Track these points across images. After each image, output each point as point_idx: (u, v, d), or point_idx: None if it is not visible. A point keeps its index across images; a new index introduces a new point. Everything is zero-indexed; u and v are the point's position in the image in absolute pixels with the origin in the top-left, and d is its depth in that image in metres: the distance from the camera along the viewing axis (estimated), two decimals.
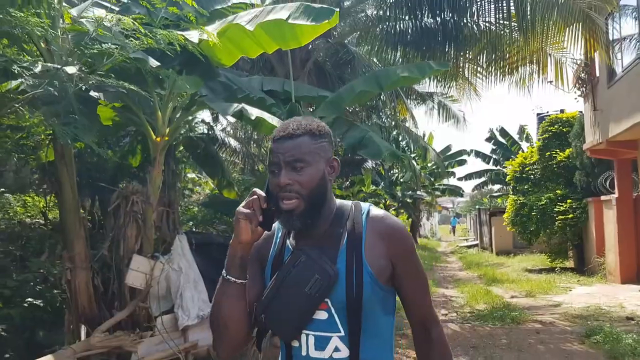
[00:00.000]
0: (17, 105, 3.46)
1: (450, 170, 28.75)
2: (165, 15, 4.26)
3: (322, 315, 1.50)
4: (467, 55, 10.35)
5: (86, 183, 6.58)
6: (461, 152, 28.76)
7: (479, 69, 10.70)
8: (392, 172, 26.57)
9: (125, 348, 4.54)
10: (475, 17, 9.42)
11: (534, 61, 9.67)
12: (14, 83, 4.02)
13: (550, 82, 10.23)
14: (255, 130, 6.80)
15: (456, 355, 6.55)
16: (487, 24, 9.34)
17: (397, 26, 10.29)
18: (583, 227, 14.21)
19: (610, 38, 10.61)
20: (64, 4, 4.38)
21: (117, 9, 5.05)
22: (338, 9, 4.14)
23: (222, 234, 8.28)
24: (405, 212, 29.77)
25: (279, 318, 1.51)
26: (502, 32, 9.35)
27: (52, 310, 5.67)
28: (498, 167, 25.99)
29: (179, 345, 4.77)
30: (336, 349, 1.50)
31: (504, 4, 9.10)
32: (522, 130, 25.79)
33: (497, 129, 25.82)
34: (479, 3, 9.46)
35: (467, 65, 10.75)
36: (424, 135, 25.41)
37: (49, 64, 3.63)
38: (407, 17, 10.16)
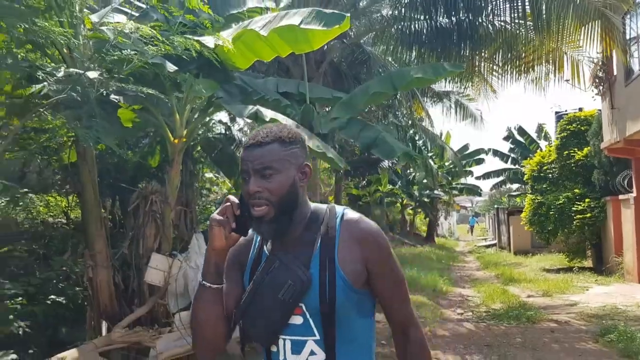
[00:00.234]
0: (41, 109, 3.62)
1: (468, 169, 28.63)
2: (182, 21, 4.40)
3: (297, 320, 1.51)
4: (482, 55, 10.37)
5: (107, 183, 6.75)
6: (479, 151, 28.62)
7: (494, 67, 10.71)
8: (409, 171, 26.55)
9: (144, 343, 4.68)
10: (490, 17, 9.44)
11: (550, 60, 9.66)
12: (37, 87, 4.21)
13: (567, 80, 10.22)
14: None
15: (470, 353, 6.62)
16: (502, 23, 9.36)
17: (412, 26, 10.35)
18: (601, 226, 14.09)
19: (627, 37, 10.52)
20: (85, 10, 4.55)
21: (136, 14, 5.20)
22: (349, 14, 4.24)
23: None
24: (423, 211, 29.72)
25: (255, 324, 1.53)
26: (517, 32, 9.36)
27: (74, 308, 5.79)
28: (516, 166, 25.83)
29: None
30: (312, 353, 1.51)
31: (519, 4, 9.11)
32: (540, 128, 25.60)
33: (515, 128, 25.69)
34: (494, 3, 9.49)
35: (483, 65, 10.76)
36: (441, 134, 25.36)
37: (72, 69, 3.77)
38: (422, 17, 10.22)
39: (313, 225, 1.56)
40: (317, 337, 1.50)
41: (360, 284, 1.53)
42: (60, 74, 3.64)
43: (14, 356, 4.43)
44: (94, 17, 4.80)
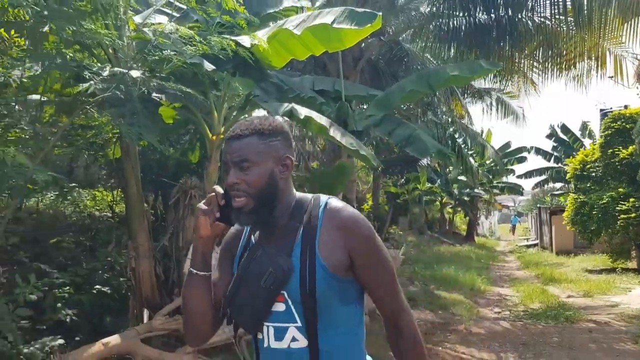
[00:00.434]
0: (88, 107, 3.83)
1: (509, 167, 28.15)
2: (220, 21, 4.56)
3: (280, 307, 1.53)
4: (523, 52, 10.24)
5: (149, 179, 7.00)
6: (521, 149, 28.09)
7: (535, 64, 10.56)
8: (449, 169, 26.27)
9: (183, 331, 4.87)
10: (530, 13, 9.31)
11: (593, 57, 9.47)
12: (84, 85, 4.43)
13: (611, 77, 9.99)
14: (305, 129, 7.03)
15: (505, 351, 6.60)
16: (542, 19, 9.23)
17: (451, 23, 10.31)
18: None
19: None
20: (129, 11, 4.76)
21: (177, 15, 5.41)
22: (380, 13, 4.32)
23: None
24: (462, 210, 29.38)
25: (241, 311, 1.56)
26: (558, 28, 9.21)
27: (118, 297, 5.99)
28: (559, 165, 25.25)
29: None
30: (294, 339, 1.53)
31: None
32: (584, 126, 24.95)
33: (558, 126, 25.12)
34: None
35: (523, 62, 10.62)
36: (482, 132, 25.00)
37: (116, 69, 3.97)
38: (460, 14, 10.16)
39: (297, 215, 1.57)
40: (299, 323, 1.52)
41: (342, 272, 1.52)
42: (106, 73, 3.84)
43: (62, 341, 4.67)
44: (137, 19, 5.01)
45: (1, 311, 3.96)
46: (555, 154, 25.84)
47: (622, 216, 13.71)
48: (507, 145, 28.63)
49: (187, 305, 1.60)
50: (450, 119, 14.60)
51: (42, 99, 3.75)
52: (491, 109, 17.71)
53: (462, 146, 23.09)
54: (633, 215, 13.58)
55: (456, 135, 20.98)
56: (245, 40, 4.19)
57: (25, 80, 3.63)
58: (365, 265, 1.55)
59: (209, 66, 4.07)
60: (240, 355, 4.61)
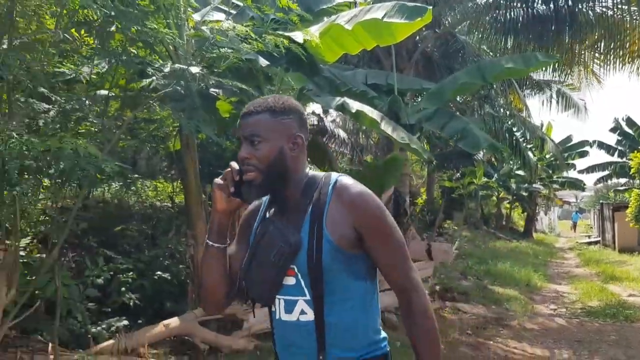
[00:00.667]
0: (151, 102, 4.07)
1: (570, 162, 27.22)
2: (275, 18, 4.71)
3: (290, 281, 1.57)
4: (584, 43, 9.94)
5: (207, 171, 7.26)
6: (583, 143, 27.11)
7: (596, 54, 10.23)
8: (506, 163, 25.66)
9: (238, 316, 5.08)
10: (591, 3, 9.03)
11: None
12: (146, 81, 4.68)
13: None
14: (357, 122, 7.11)
15: (559, 347, 6.50)
16: (603, 9, 8.93)
17: (508, 14, 10.13)
18: None
19: None
20: (188, 9, 4.99)
21: (234, 12, 5.60)
22: (430, 7, 4.36)
23: None
24: (520, 205, 28.64)
25: (254, 284, 1.60)
26: (620, 18, 8.88)
27: (177, 283, 6.30)
28: (624, 160, 24.22)
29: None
30: (302, 312, 1.57)
31: None
32: None
33: (623, 119, 24.09)
34: None
35: (584, 53, 10.31)
36: (542, 125, 24.29)
37: (176, 65, 4.19)
38: (518, 5, 9.97)
39: (308, 192, 1.61)
40: (307, 297, 1.56)
41: (348, 247, 1.55)
42: (167, 70, 4.06)
43: (126, 322, 4.98)
44: (196, 16, 5.23)
45: (72, 292, 4.26)
46: (619, 148, 24.80)
47: None
48: (568, 139, 27.68)
49: (203, 274, 1.67)
50: (508, 112, 14.31)
51: (109, 94, 3.99)
52: (551, 102, 17.20)
53: (521, 140, 22.53)
54: None
55: (514, 129, 20.50)
56: (298, 36, 4.32)
57: (94, 77, 3.88)
58: (373, 241, 1.57)
59: (263, 62, 4.23)
60: None
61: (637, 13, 8.50)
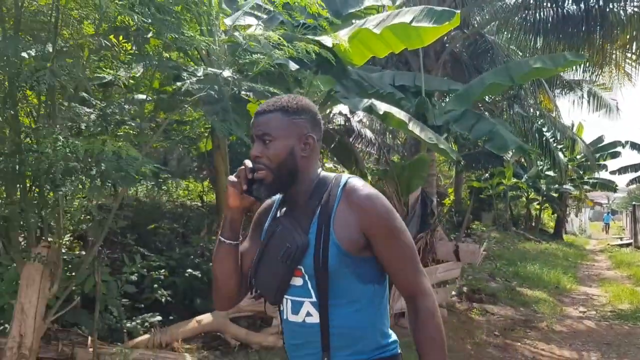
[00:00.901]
0: (186, 105, 4.21)
1: (602, 163, 26.73)
2: (304, 22, 4.81)
3: (298, 281, 1.56)
4: (615, 43, 9.80)
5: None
6: (614, 144, 26.56)
7: (628, 54, 10.09)
8: (539, 164, 25.30)
9: (268, 313, 5.21)
10: (622, 3, 8.91)
11: None
12: (179, 84, 4.83)
13: None
14: (384, 124, 7.18)
15: (587, 350, 6.47)
16: (635, 9, 8.80)
17: (538, 14, 10.05)
18: None
19: None
20: (220, 15, 5.12)
21: (264, 16, 5.72)
22: (459, 11, 4.40)
23: None
24: (550, 206, 28.24)
25: (263, 283, 1.60)
26: None
27: (207, 281, 6.44)
28: None
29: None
30: (308, 314, 1.56)
31: None
32: None
33: None
34: None
35: (616, 53, 10.18)
36: (573, 125, 23.91)
37: (209, 69, 4.33)
38: (548, 5, 9.89)
39: (318, 193, 1.60)
40: (314, 299, 1.55)
41: (356, 250, 1.54)
42: (200, 74, 4.20)
43: (159, 317, 5.14)
44: (228, 21, 5.38)
45: (111, 288, 4.44)
46: None
47: None
48: (600, 139, 27.17)
49: (215, 270, 1.67)
50: (537, 112, 14.16)
51: (147, 98, 4.15)
52: (582, 102, 16.97)
53: (551, 140, 22.23)
54: None
55: (544, 129, 20.25)
56: (327, 40, 4.42)
57: (132, 81, 4.04)
58: (381, 245, 1.55)
59: (293, 66, 4.34)
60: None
61: None
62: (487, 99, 11.45)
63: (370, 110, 5.21)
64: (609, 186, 28.97)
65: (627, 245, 24.16)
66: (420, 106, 6.44)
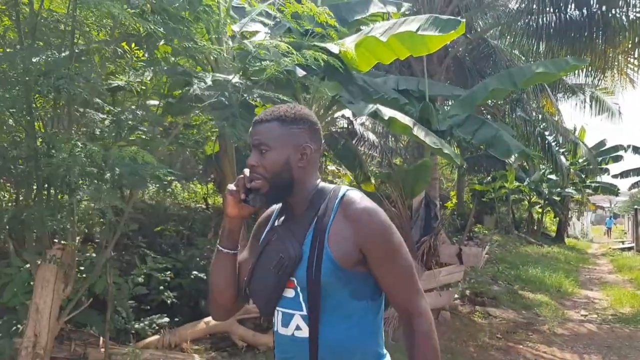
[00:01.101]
0: (197, 111, 4.31)
1: (604, 166, 26.77)
2: (312, 30, 4.91)
3: (290, 293, 1.52)
4: (617, 48, 9.88)
5: None
6: (617, 148, 26.61)
7: (630, 59, 10.17)
8: (541, 168, 25.34)
9: (263, 323, 5.29)
10: (624, 9, 8.99)
11: None
12: (186, 89, 4.91)
13: None
14: (389, 128, 7.27)
15: (588, 353, 6.55)
16: (637, 15, 8.88)
17: (541, 19, 10.13)
18: None
19: None
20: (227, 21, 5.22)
21: (271, 23, 5.81)
22: (464, 20, 4.50)
23: None
24: (552, 210, 28.27)
25: (255, 293, 1.58)
26: None
27: None
28: None
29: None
30: (297, 327, 1.52)
31: None
32: None
33: None
34: None
35: (618, 58, 10.26)
36: (575, 129, 23.96)
37: (219, 75, 4.42)
38: (551, 10, 9.97)
39: (315, 204, 1.57)
40: (304, 312, 1.50)
41: (351, 265, 1.49)
42: (208, 80, 4.28)
43: (167, 319, 5.22)
44: (235, 27, 5.47)
45: (122, 289, 4.52)
46: None
47: None
48: (602, 143, 27.23)
49: (211, 280, 1.66)
50: (540, 116, 14.23)
51: (159, 104, 4.25)
52: (584, 106, 17.04)
53: (553, 144, 22.27)
54: None
55: (546, 133, 20.29)
56: (334, 47, 4.51)
57: (143, 87, 4.14)
58: (376, 261, 1.51)
59: (300, 72, 4.44)
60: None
61: None
62: (489, 103, 11.53)
63: (375, 115, 5.30)
64: (611, 190, 29.03)
65: (629, 249, 24.20)
66: (424, 111, 6.52)
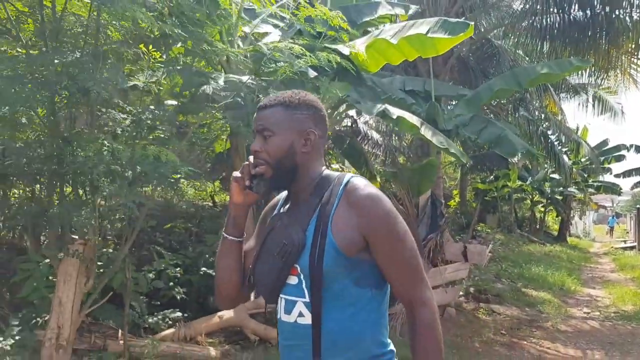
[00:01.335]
0: (214, 111, 4.43)
1: (606, 166, 26.85)
2: (324, 33, 5.03)
3: (293, 280, 1.51)
4: (621, 49, 9.97)
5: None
6: (619, 147, 26.67)
7: (634, 59, 10.27)
8: (545, 167, 25.40)
9: (267, 313, 5.40)
10: (628, 9, 9.09)
11: None
12: (199, 89, 5.03)
13: None
14: (397, 128, 7.39)
15: (591, 349, 6.66)
16: None
17: (544, 20, 10.23)
18: None
19: None
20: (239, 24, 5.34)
21: (281, 24, 5.93)
22: (472, 23, 4.61)
23: None
24: (554, 209, 28.35)
25: (260, 280, 1.57)
26: None
27: None
28: None
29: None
30: (300, 314, 1.50)
31: None
32: None
33: None
34: None
35: (622, 58, 10.35)
36: (578, 128, 24.05)
37: (233, 76, 4.54)
38: (555, 11, 10.06)
39: (319, 190, 1.54)
40: (307, 299, 1.49)
41: (354, 252, 1.48)
42: (221, 80, 4.40)
43: (179, 314, 5.35)
44: (246, 28, 5.59)
45: (140, 284, 4.66)
46: None
47: None
48: (605, 142, 27.29)
49: (217, 267, 1.65)
50: (543, 115, 14.32)
51: (177, 103, 4.36)
52: (587, 105, 17.12)
53: (556, 143, 22.32)
54: None
55: (549, 132, 20.37)
56: (345, 49, 4.63)
57: (160, 88, 4.26)
58: (380, 248, 1.49)
59: (312, 73, 4.56)
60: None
61: None
62: (492, 102, 11.63)
63: (384, 115, 5.41)
64: (614, 189, 29.08)
65: (631, 248, 24.27)
66: (431, 111, 6.64)
